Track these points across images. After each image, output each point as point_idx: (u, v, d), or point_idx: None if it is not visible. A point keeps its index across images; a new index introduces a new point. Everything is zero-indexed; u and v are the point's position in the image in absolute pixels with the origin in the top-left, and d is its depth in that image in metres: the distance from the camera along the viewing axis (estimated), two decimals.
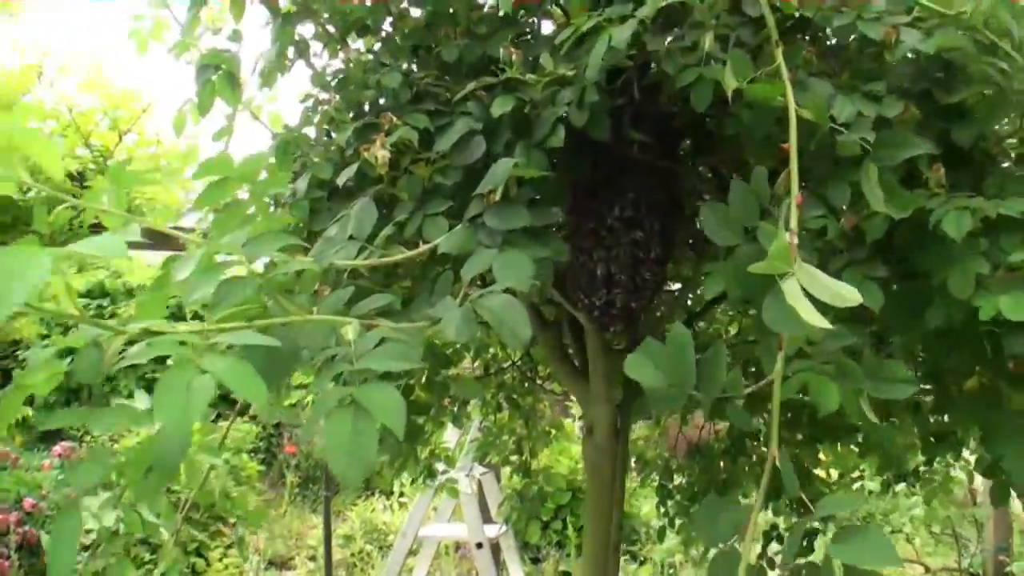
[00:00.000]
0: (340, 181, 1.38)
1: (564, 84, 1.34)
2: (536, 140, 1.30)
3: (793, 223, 0.98)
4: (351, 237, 1.29)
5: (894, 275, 1.21)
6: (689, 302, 2.68)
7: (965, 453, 2.67)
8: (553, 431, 2.94)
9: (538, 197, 1.35)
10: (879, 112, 1.15)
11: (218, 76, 1.72)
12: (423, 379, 1.56)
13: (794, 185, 1.01)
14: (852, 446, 2.82)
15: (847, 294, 0.87)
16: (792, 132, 1.05)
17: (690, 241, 2.39)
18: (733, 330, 3.21)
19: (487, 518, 4.65)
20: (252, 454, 7.20)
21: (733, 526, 0.90)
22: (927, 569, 4.64)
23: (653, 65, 1.41)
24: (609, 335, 1.81)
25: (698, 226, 2.46)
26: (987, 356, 1.30)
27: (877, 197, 1.09)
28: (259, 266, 1.04)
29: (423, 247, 1.19)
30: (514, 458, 2.96)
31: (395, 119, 1.38)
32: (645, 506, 5.70)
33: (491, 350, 2.79)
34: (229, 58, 1.74)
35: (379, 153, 1.28)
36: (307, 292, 1.11)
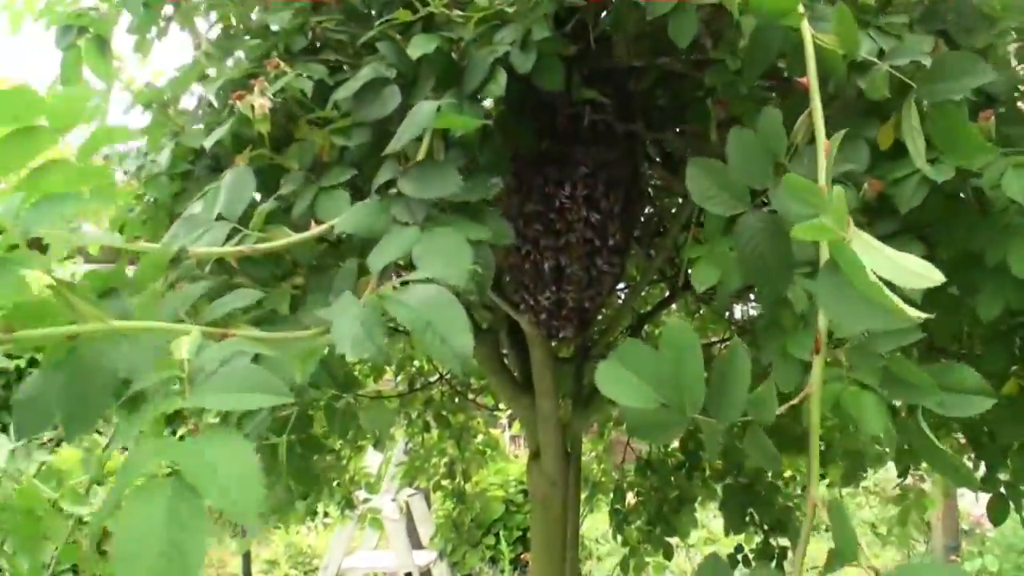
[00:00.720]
0: (207, 143, 1.05)
1: (504, 21, 1.04)
2: (469, 89, 1.00)
3: (822, 179, 0.71)
4: (219, 217, 0.96)
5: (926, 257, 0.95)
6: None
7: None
8: (488, 450, 2.63)
9: (472, 164, 1.05)
10: (905, 49, 0.90)
11: (86, 41, 1.36)
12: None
13: (820, 128, 0.74)
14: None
15: (922, 271, 0.60)
16: (810, 60, 0.78)
17: (635, 234, 2.14)
18: None
19: (417, 543, 4.30)
20: None
21: None
22: (876, 573, 4.50)
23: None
24: (555, 342, 1.51)
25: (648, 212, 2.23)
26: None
27: (919, 149, 0.83)
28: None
29: (315, 228, 0.87)
30: (446, 482, 2.63)
31: (284, 65, 1.05)
32: (587, 521, 5.44)
33: (415, 362, 2.46)
34: (98, 19, 1.37)
35: (257, 102, 0.95)
36: (144, 291, 0.77)
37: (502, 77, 0.98)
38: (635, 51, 1.23)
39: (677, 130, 1.51)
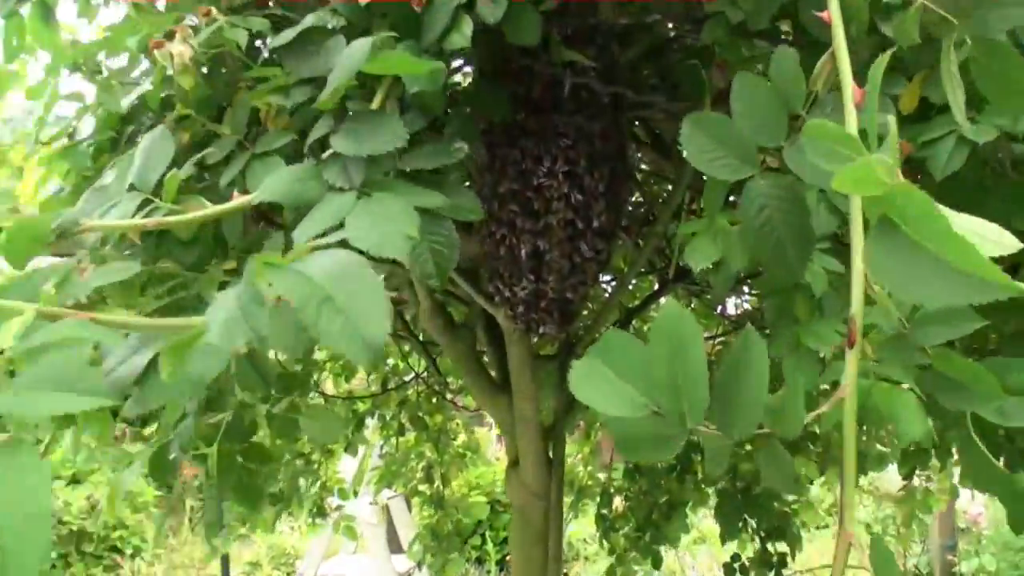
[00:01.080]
0: (124, 104, 0.90)
1: None
2: (428, 40, 0.85)
3: (851, 130, 0.57)
4: (131, 187, 0.81)
5: None
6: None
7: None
8: (468, 454, 2.48)
9: (434, 129, 0.91)
10: None
11: (29, 7, 1.21)
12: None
13: (846, 70, 0.60)
14: (811, 458, 2.50)
15: (997, 236, 0.46)
16: None
17: (623, 222, 1.99)
18: None
19: (398, 547, 4.14)
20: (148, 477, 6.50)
21: None
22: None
23: None
24: (536, 339, 1.37)
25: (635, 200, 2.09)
26: None
27: (959, 104, 0.69)
28: None
29: (236, 199, 0.72)
30: (423, 487, 2.48)
31: (215, 13, 0.90)
32: (573, 523, 5.30)
33: (389, 360, 2.31)
34: None
35: (176, 50, 0.80)
36: (17, 266, 0.62)
37: (467, 26, 0.83)
38: (621, 8, 1.09)
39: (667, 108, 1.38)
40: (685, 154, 0.67)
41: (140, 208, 0.79)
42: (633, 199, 2.16)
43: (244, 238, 0.98)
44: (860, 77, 0.62)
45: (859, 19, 0.75)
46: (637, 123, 1.63)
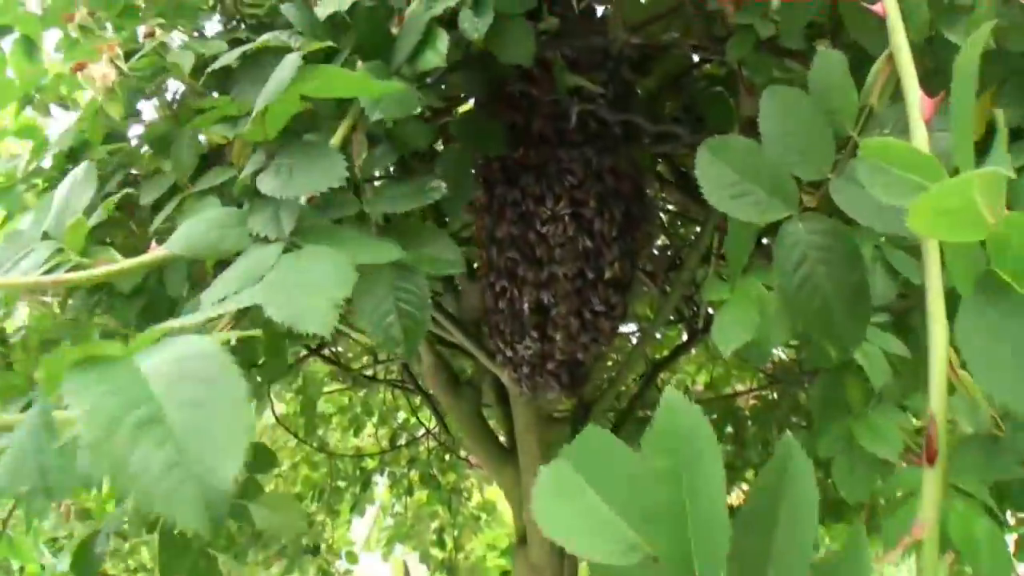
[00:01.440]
0: (60, 144, 0.78)
1: None
2: (398, 62, 0.72)
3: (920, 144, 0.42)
4: (45, 235, 0.69)
5: None
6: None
7: None
8: (483, 515, 2.31)
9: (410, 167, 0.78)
10: None
11: (13, 43, 1.13)
12: None
13: (909, 73, 0.45)
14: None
15: None
16: None
17: (646, 268, 1.84)
18: (703, 379, 2.65)
19: None
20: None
21: None
22: None
23: None
24: (545, 401, 1.21)
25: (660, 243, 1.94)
26: None
27: None
28: None
29: (151, 252, 0.59)
30: (435, 551, 2.31)
31: (161, 34, 0.78)
32: None
33: (400, 415, 2.17)
34: (25, 16, 1.14)
35: (99, 73, 0.68)
36: None
37: (442, 41, 0.70)
38: (633, 24, 0.95)
39: (691, 141, 1.23)
40: (702, 189, 0.52)
41: (51, 259, 0.66)
42: (659, 243, 2.01)
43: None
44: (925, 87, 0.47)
45: (918, 20, 0.60)
46: (660, 160, 1.49)
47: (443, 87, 1.05)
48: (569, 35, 0.94)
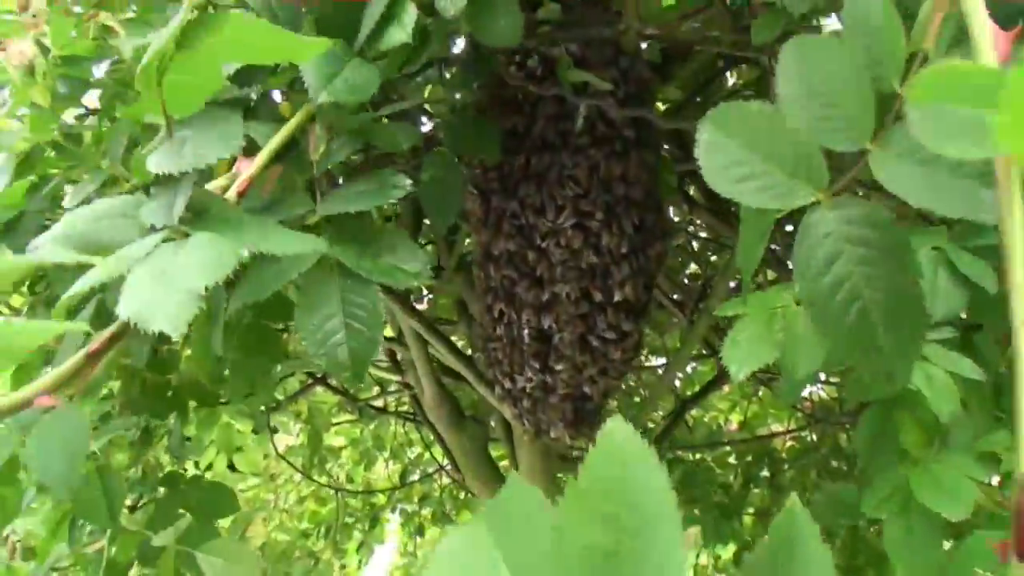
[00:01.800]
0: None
1: None
2: (360, 39, 0.62)
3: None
4: None
5: None
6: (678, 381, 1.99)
7: None
8: None
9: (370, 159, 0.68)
10: None
11: None
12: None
13: (977, 8, 0.33)
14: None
15: None
16: None
17: (674, 297, 1.71)
18: (736, 418, 2.49)
19: None
20: None
21: None
22: None
23: None
24: (550, 439, 1.09)
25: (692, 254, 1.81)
26: None
27: None
28: None
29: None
30: None
31: (105, 17, 0.70)
32: None
33: (413, 449, 2.05)
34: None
35: (16, 50, 0.60)
36: None
37: (408, 15, 0.60)
38: (647, 13, 0.85)
39: None
40: (703, 171, 0.40)
41: None
42: (689, 271, 1.89)
43: None
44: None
45: None
46: (689, 179, 1.38)
47: (432, 85, 0.95)
48: (573, 25, 0.83)
